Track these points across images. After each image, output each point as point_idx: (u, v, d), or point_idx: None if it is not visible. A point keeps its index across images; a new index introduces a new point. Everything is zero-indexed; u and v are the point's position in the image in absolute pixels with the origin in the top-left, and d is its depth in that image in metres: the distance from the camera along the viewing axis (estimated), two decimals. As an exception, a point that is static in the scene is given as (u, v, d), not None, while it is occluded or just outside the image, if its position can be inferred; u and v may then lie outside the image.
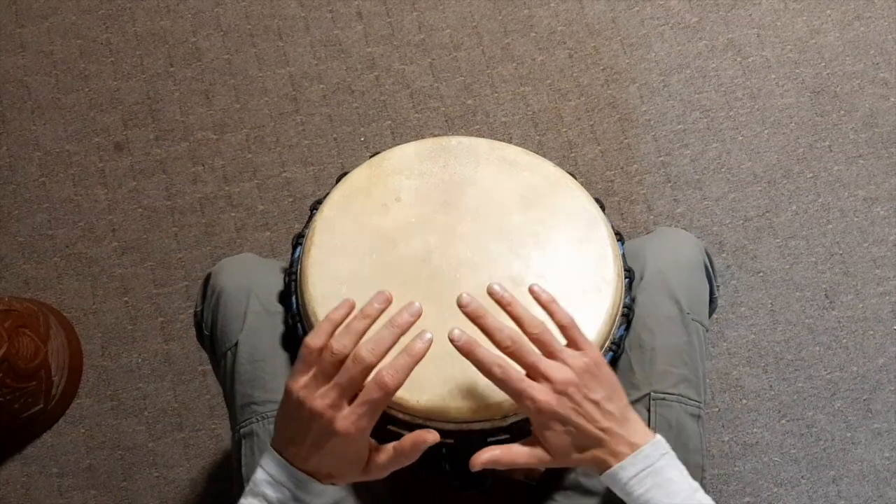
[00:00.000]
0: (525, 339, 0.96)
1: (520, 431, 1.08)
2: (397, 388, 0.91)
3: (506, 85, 2.10)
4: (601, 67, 2.11)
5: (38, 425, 1.86)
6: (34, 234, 2.00)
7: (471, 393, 1.06)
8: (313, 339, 0.93)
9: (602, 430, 0.94)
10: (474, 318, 0.96)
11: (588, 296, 1.13)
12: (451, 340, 0.94)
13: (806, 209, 1.99)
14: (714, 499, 1.76)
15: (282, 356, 1.19)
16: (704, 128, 2.05)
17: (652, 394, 1.16)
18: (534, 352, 0.95)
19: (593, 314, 1.12)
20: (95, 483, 1.84)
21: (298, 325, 1.15)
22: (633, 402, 1.16)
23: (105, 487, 1.84)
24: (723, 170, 2.02)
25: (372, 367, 0.91)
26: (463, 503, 1.16)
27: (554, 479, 1.21)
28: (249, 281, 1.23)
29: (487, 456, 0.96)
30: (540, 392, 0.93)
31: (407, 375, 0.91)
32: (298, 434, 0.93)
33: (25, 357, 1.76)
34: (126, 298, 1.95)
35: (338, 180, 1.24)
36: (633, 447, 0.94)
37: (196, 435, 1.86)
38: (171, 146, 2.06)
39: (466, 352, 0.94)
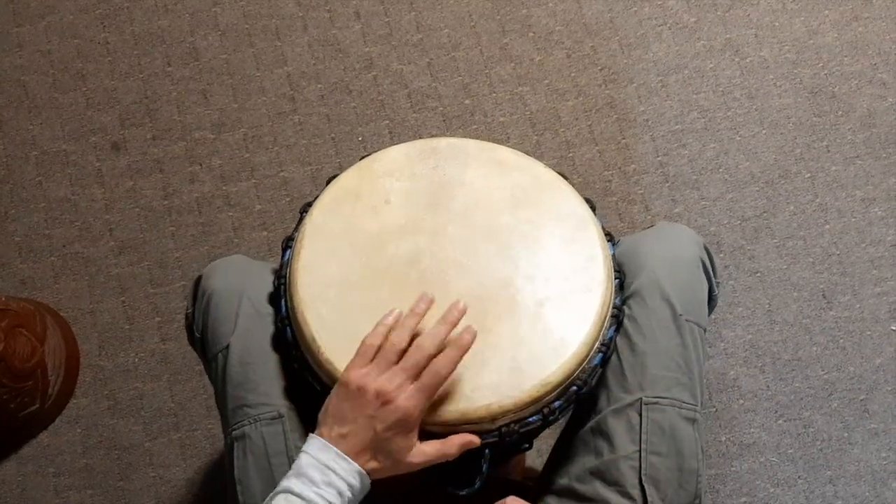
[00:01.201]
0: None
1: (509, 434, 1.08)
2: (449, 374, 1.03)
3: (504, 85, 2.09)
4: (599, 67, 2.11)
5: (35, 425, 1.86)
6: (31, 234, 2.00)
7: (459, 396, 1.06)
8: (372, 338, 1.05)
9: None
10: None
11: (577, 296, 1.13)
12: None
13: (803, 209, 1.98)
14: (711, 499, 1.78)
15: (273, 358, 1.18)
16: (702, 128, 2.05)
17: (644, 398, 1.15)
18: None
19: (582, 315, 1.12)
20: (92, 483, 1.84)
21: (287, 328, 1.15)
22: (625, 408, 1.16)
23: (101, 487, 1.84)
24: (720, 170, 2.01)
25: (432, 355, 1.03)
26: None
27: (548, 483, 1.21)
28: (241, 283, 1.23)
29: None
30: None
31: (456, 365, 1.04)
32: (355, 417, 1.01)
33: (22, 356, 1.76)
34: (123, 298, 1.95)
35: (327, 183, 1.24)
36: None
37: (192, 435, 1.86)
38: (169, 146, 2.06)
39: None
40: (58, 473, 1.85)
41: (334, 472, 0.99)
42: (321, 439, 1.01)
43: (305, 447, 1.01)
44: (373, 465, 1.01)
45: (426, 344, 1.03)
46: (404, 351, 1.03)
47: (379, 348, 1.04)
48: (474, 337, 1.05)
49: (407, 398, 1.01)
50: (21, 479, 1.84)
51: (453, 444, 1.04)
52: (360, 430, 1.00)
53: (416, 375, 1.02)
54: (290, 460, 1.13)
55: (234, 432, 1.17)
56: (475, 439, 1.05)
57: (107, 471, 1.85)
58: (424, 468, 1.06)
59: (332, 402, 1.03)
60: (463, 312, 1.06)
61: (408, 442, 1.02)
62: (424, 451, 1.03)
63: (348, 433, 1.00)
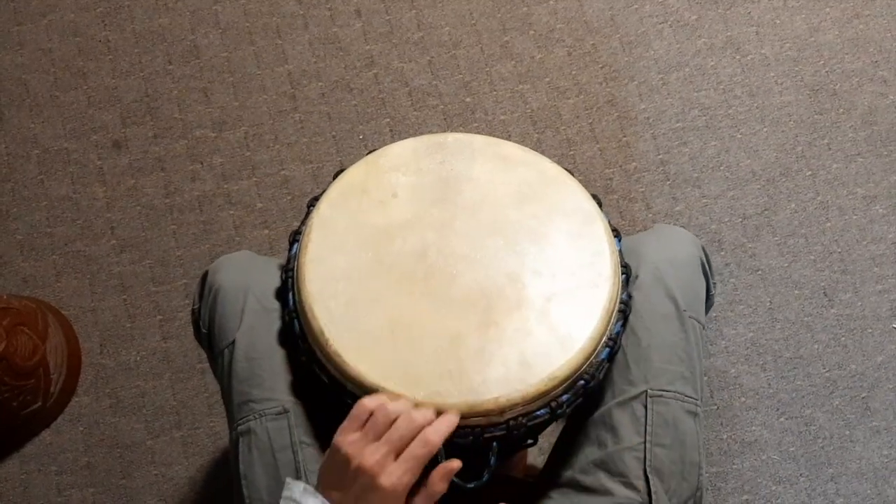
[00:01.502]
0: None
1: (517, 427, 1.08)
2: (437, 447, 0.99)
3: (504, 83, 2.09)
4: (600, 65, 2.11)
5: (37, 423, 1.86)
6: (32, 232, 2.00)
7: (467, 389, 1.06)
8: (370, 401, 1.01)
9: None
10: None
11: (584, 291, 1.13)
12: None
13: (805, 207, 1.99)
14: (712, 497, 1.78)
15: (279, 353, 1.19)
16: (703, 126, 2.05)
17: (649, 391, 1.16)
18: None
19: (589, 310, 1.12)
20: (94, 481, 1.84)
21: (295, 321, 1.15)
22: (630, 400, 1.16)
23: (104, 485, 1.84)
24: (721, 168, 2.02)
25: (421, 428, 0.99)
26: (459, 501, 1.16)
27: (551, 477, 1.21)
28: (247, 279, 1.23)
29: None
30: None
31: (447, 436, 1.01)
32: (343, 486, 0.98)
33: (23, 355, 1.76)
34: (124, 296, 1.95)
35: (335, 177, 1.24)
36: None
37: (195, 433, 1.86)
38: (170, 144, 2.06)
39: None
40: (60, 472, 1.85)
41: None
42: (321, 497, 1.00)
43: (301, 499, 1.00)
44: None
45: (416, 416, 1.00)
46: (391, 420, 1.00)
47: (375, 411, 1.00)
48: (457, 420, 1.03)
49: (388, 475, 0.97)
50: (23, 477, 1.84)
51: (435, 483, 1.00)
52: (350, 499, 0.98)
53: (401, 448, 0.98)
54: (296, 455, 1.14)
55: (239, 427, 1.18)
56: (454, 464, 1.00)
57: (109, 469, 1.84)
58: (431, 462, 1.06)
59: (325, 464, 1.02)
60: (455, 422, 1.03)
61: None
62: None
63: (342, 498, 0.98)
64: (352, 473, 0.97)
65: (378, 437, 0.98)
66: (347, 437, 0.99)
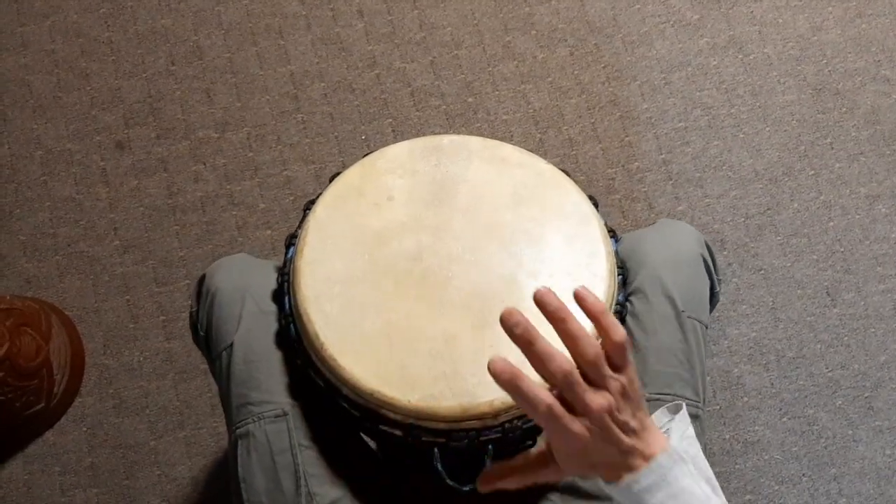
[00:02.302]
0: (574, 370, 0.84)
1: (512, 430, 1.08)
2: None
3: (507, 83, 2.09)
4: (602, 65, 2.11)
5: (40, 424, 1.86)
6: (36, 233, 2.00)
7: (462, 391, 1.06)
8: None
9: (624, 450, 0.87)
10: (524, 344, 0.84)
11: (580, 293, 1.13)
12: (493, 373, 0.83)
13: (807, 207, 1.98)
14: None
15: (276, 356, 1.19)
16: (706, 125, 2.05)
17: (646, 395, 1.16)
18: (581, 383, 0.84)
19: (585, 312, 1.11)
20: (97, 481, 1.85)
21: (291, 325, 1.15)
22: None
23: (107, 486, 1.84)
24: (724, 167, 2.01)
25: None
26: (456, 503, 1.16)
27: (549, 479, 1.21)
28: (244, 281, 1.24)
29: (498, 482, 0.92)
30: (577, 425, 0.85)
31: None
32: None
33: (27, 356, 1.76)
34: (127, 297, 1.96)
35: (331, 180, 1.24)
36: (647, 458, 0.88)
37: (198, 433, 1.87)
38: (173, 145, 2.06)
39: (511, 387, 0.83)
40: (63, 472, 1.85)
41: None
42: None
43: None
44: None
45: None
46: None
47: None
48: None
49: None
50: (27, 477, 1.85)
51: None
52: None
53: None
54: (294, 458, 1.14)
55: (238, 430, 1.18)
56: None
57: (112, 469, 1.85)
58: (427, 465, 1.06)
59: None
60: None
61: None
62: None
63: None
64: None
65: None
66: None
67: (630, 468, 0.88)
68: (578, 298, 0.87)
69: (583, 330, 0.84)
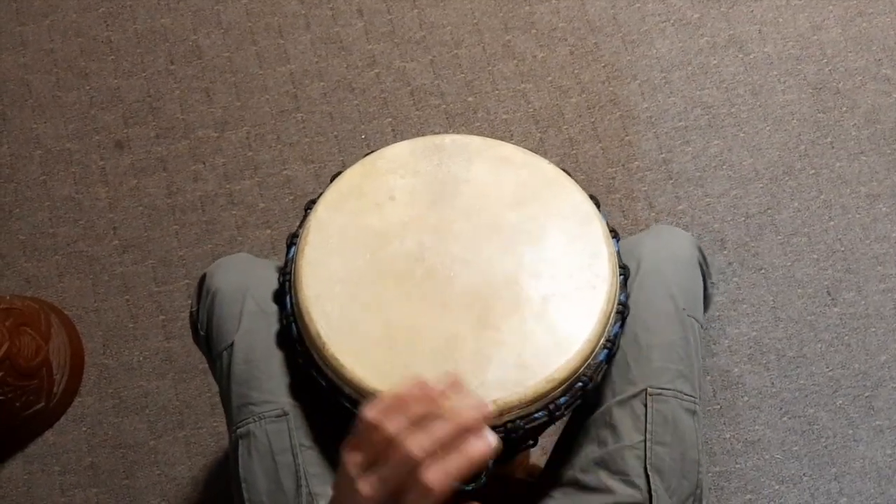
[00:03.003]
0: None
1: (515, 430, 1.08)
2: (443, 493, 0.78)
3: (507, 82, 2.09)
4: (602, 64, 2.11)
5: (40, 423, 1.86)
6: (35, 233, 2.00)
7: (465, 392, 1.06)
8: (369, 412, 0.81)
9: None
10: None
11: (582, 293, 1.13)
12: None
13: (808, 206, 1.98)
14: (715, 496, 1.78)
15: (277, 356, 1.19)
16: (706, 124, 2.05)
17: (649, 389, 1.16)
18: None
19: (587, 311, 1.11)
20: (97, 481, 1.84)
21: (292, 324, 1.15)
22: (630, 398, 1.16)
23: (107, 486, 1.84)
24: (724, 166, 2.01)
25: (419, 464, 0.78)
26: (459, 501, 1.16)
27: (552, 476, 1.21)
28: (245, 281, 1.23)
29: None
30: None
31: (455, 480, 0.79)
32: None
33: (26, 355, 1.76)
34: (127, 296, 1.95)
35: (332, 180, 1.24)
36: None
37: (198, 433, 1.86)
38: (172, 144, 2.06)
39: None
40: (63, 472, 1.85)
41: None
42: None
43: None
44: None
45: (412, 449, 0.78)
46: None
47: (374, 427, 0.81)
48: (490, 447, 0.81)
49: None
50: (27, 477, 1.85)
51: None
52: None
53: (396, 486, 0.79)
54: (295, 458, 1.14)
55: (238, 430, 1.18)
56: None
57: (112, 469, 1.85)
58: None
59: (338, 473, 0.86)
60: (484, 412, 0.84)
61: None
62: None
63: None
64: (357, 499, 0.80)
65: (376, 460, 0.80)
66: (354, 456, 0.82)
67: None
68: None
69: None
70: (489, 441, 0.80)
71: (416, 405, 0.81)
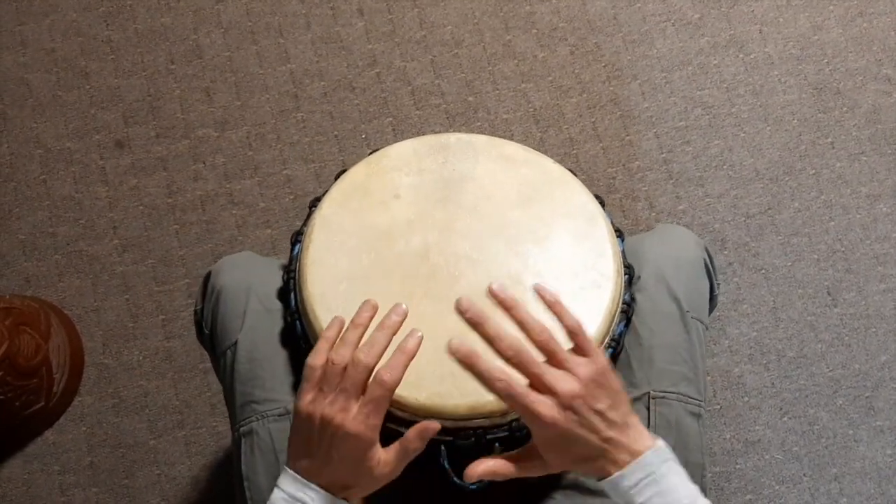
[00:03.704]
0: (528, 347, 0.91)
1: (519, 428, 1.08)
2: (396, 383, 0.93)
3: (507, 82, 2.09)
4: (603, 64, 2.11)
5: (40, 423, 1.86)
6: (35, 232, 2.00)
7: (469, 390, 1.06)
8: (314, 358, 0.95)
9: (605, 440, 0.90)
10: (474, 325, 0.92)
11: (587, 292, 1.13)
12: (451, 351, 0.90)
13: (808, 206, 1.98)
14: (715, 497, 1.77)
15: (281, 355, 1.19)
16: (706, 124, 2.05)
17: (651, 392, 1.16)
18: (538, 362, 0.91)
19: (592, 310, 1.11)
20: (97, 481, 1.84)
21: (297, 322, 1.15)
22: (633, 401, 1.16)
23: (106, 485, 1.84)
24: (725, 166, 2.01)
25: (371, 368, 0.93)
26: (462, 501, 1.16)
27: (553, 477, 1.21)
28: (249, 279, 1.23)
29: (483, 468, 0.95)
30: (545, 407, 0.89)
31: (403, 372, 0.94)
32: (311, 447, 0.94)
33: (26, 355, 1.76)
34: (127, 296, 1.95)
35: (336, 177, 1.23)
36: (635, 454, 0.90)
37: (197, 432, 1.86)
38: (172, 144, 2.05)
39: (467, 364, 0.90)
40: (63, 471, 1.85)
41: None
42: (291, 473, 0.95)
43: (278, 482, 0.96)
44: (344, 490, 0.95)
45: (361, 357, 0.94)
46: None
47: (322, 369, 0.95)
48: (420, 340, 0.96)
49: (353, 420, 0.92)
50: (26, 476, 1.84)
51: (411, 439, 0.95)
52: (321, 459, 0.94)
53: (358, 392, 0.93)
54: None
55: (241, 428, 1.18)
56: (431, 425, 0.95)
57: (112, 468, 1.84)
58: (433, 463, 1.05)
59: (291, 433, 0.97)
60: (404, 315, 0.98)
61: (370, 461, 0.94)
62: (389, 460, 0.95)
63: (310, 464, 0.94)
64: (318, 429, 0.93)
65: (334, 390, 0.93)
66: (305, 398, 0.94)
67: (616, 463, 0.90)
68: (537, 292, 0.97)
69: (529, 315, 0.93)
70: (418, 336, 0.96)
71: (348, 334, 0.97)
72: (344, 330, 0.98)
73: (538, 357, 0.91)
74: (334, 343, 0.97)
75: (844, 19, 2.13)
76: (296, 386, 1.17)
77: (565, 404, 0.89)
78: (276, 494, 0.94)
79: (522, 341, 0.91)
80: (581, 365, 0.91)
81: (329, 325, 0.99)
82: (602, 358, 0.93)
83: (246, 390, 1.18)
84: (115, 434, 1.87)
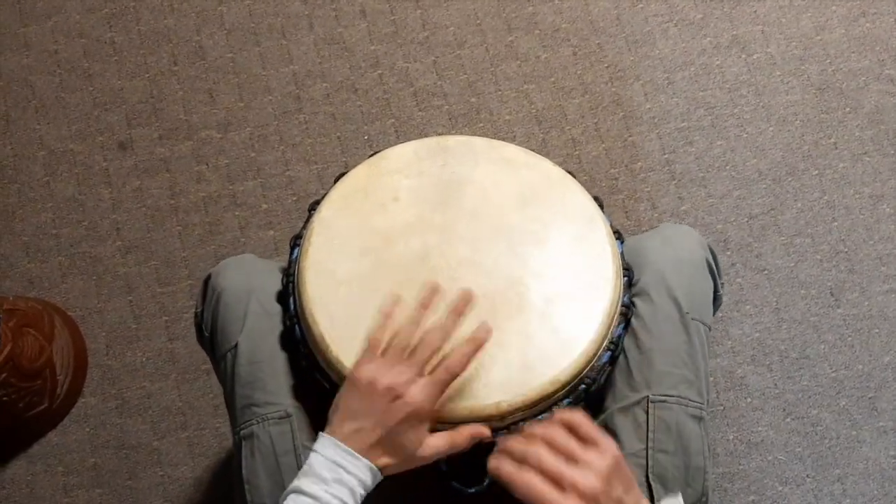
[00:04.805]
0: (547, 451, 0.95)
1: (518, 432, 1.08)
2: (462, 371, 1.03)
3: (509, 83, 2.09)
4: (605, 65, 2.10)
5: (43, 424, 1.86)
6: (38, 234, 2.00)
7: (468, 393, 1.06)
8: (379, 332, 1.05)
9: None
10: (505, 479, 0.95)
11: (586, 294, 1.13)
12: (491, 471, 0.96)
13: (811, 207, 1.98)
14: (719, 498, 1.77)
15: (281, 357, 1.19)
16: (709, 125, 2.05)
17: (650, 396, 1.16)
18: (557, 462, 0.94)
19: (591, 312, 1.11)
20: (100, 482, 1.84)
21: (296, 325, 1.15)
22: (632, 406, 1.16)
23: (110, 486, 1.84)
24: (727, 167, 2.01)
25: (438, 349, 1.03)
26: None
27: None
28: (250, 282, 1.23)
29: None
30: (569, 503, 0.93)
31: (470, 361, 1.03)
32: (366, 412, 1.00)
33: (30, 356, 1.76)
34: (130, 297, 1.95)
35: (336, 180, 1.23)
36: None
37: (200, 433, 1.86)
38: (175, 145, 2.06)
39: (508, 483, 0.94)
40: (66, 472, 1.85)
41: (345, 469, 0.98)
42: (331, 437, 1.00)
43: (316, 445, 1.00)
44: (384, 460, 1.01)
45: (434, 339, 1.03)
46: (412, 344, 1.03)
47: (388, 342, 1.04)
48: (490, 334, 1.04)
49: (418, 391, 1.00)
50: (30, 478, 1.85)
51: (463, 435, 1.04)
52: (371, 425, 0.99)
53: (424, 369, 1.02)
54: (298, 459, 1.14)
55: (242, 431, 1.18)
56: (486, 430, 1.05)
57: (115, 470, 1.85)
58: (432, 466, 1.05)
59: (343, 398, 1.02)
60: (470, 301, 1.06)
61: (419, 436, 1.02)
62: (435, 445, 1.03)
63: (359, 429, 0.99)
64: (379, 395, 1.00)
65: (398, 362, 1.02)
66: (369, 366, 1.02)
67: None
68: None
69: (545, 430, 0.97)
70: (489, 328, 1.05)
71: (417, 314, 1.06)
72: (412, 310, 1.06)
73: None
74: (398, 321, 1.05)
75: (847, 19, 2.12)
76: (296, 389, 1.17)
77: (588, 499, 0.93)
78: (314, 459, 0.99)
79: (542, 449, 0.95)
80: (597, 459, 0.95)
81: (389, 302, 1.07)
82: (612, 445, 0.97)
83: (246, 393, 1.18)
84: (119, 435, 1.87)
